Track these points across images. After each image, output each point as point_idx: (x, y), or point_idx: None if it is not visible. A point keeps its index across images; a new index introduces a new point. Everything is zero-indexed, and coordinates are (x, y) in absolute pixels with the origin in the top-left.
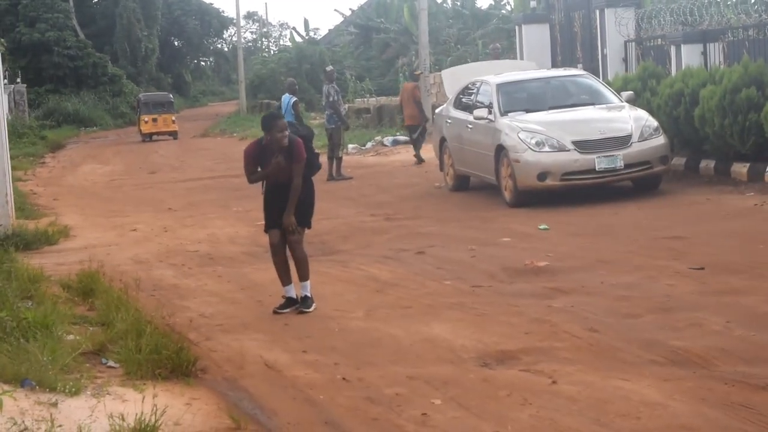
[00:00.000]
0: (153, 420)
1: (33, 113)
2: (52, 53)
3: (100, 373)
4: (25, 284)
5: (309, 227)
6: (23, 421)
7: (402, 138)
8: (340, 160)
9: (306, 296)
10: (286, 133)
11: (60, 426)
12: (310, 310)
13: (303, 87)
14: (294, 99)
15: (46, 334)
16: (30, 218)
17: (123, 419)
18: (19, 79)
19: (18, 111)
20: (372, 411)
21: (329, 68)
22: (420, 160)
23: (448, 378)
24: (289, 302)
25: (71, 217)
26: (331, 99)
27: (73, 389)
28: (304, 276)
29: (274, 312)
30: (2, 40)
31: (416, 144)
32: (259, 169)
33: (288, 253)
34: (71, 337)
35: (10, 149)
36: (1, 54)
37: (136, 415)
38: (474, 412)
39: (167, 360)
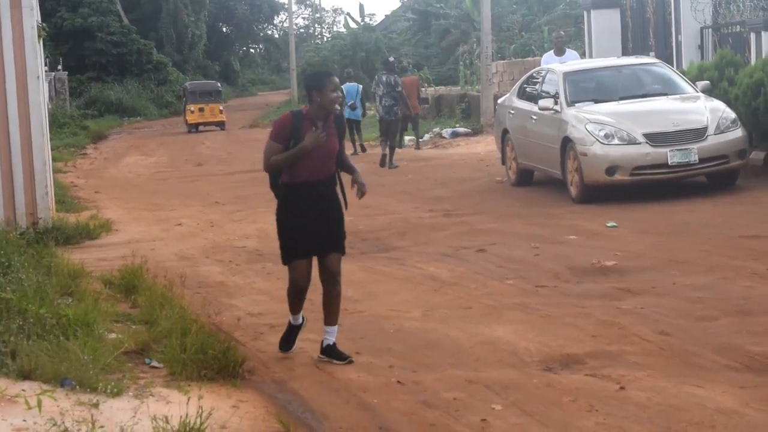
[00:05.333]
0: (198, 423)
1: (74, 102)
2: (95, 39)
3: (142, 373)
4: (66, 280)
5: (344, 253)
6: (63, 422)
7: (462, 130)
8: (393, 149)
9: (335, 344)
10: (342, 94)
11: (101, 427)
12: (352, 359)
13: (358, 75)
14: (361, 87)
15: (87, 332)
16: (71, 211)
17: (167, 421)
18: (60, 67)
19: (59, 100)
20: (429, 416)
21: (391, 59)
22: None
23: (510, 382)
24: (294, 331)
25: (113, 210)
26: (399, 89)
27: (115, 390)
28: (335, 319)
29: (282, 351)
30: (43, 25)
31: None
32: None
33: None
34: (113, 335)
35: (50, 139)
36: (42, 40)
37: (181, 417)
38: (537, 419)
39: (213, 360)
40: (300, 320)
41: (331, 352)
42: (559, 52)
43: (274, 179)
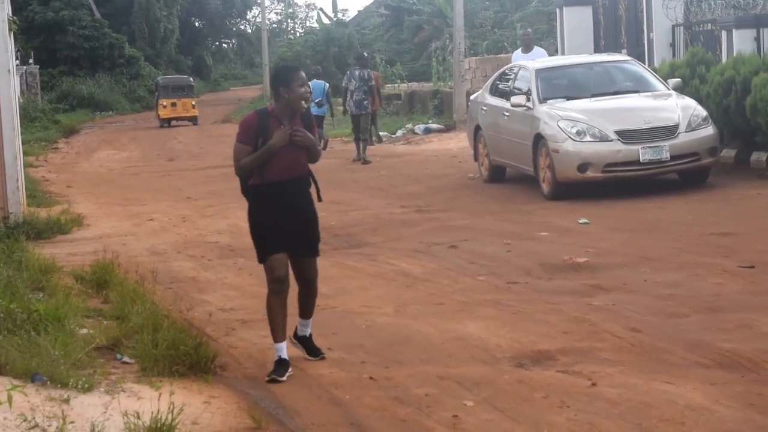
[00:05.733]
0: (170, 419)
1: (46, 96)
2: (67, 33)
3: (114, 368)
4: (36, 275)
5: (318, 255)
6: (33, 418)
7: (435, 126)
8: (366, 143)
9: (311, 335)
10: (309, 89)
11: (72, 423)
12: (324, 355)
13: (330, 71)
14: (328, 85)
15: (58, 327)
16: (42, 206)
17: (138, 417)
18: (31, 60)
19: (30, 94)
20: (400, 412)
21: (365, 54)
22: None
23: (482, 378)
24: (283, 365)
25: (85, 205)
26: (372, 83)
27: (86, 385)
28: (310, 312)
29: (271, 381)
30: (15, 18)
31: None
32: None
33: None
34: (84, 330)
35: (21, 134)
36: (13, 33)
37: (152, 413)
38: (508, 415)
39: (185, 356)
40: (284, 352)
41: (305, 343)
42: (527, 50)
43: (244, 184)
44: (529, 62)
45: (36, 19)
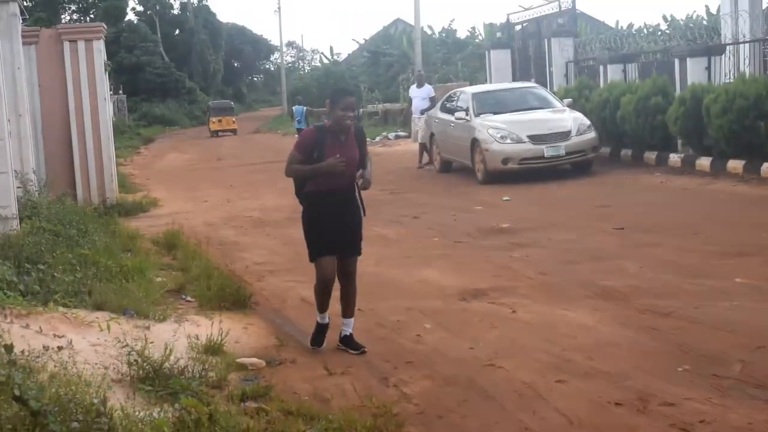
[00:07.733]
0: (219, 339)
1: (131, 116)
2: (145, 72)
3: (180, 305)
4: (126, 241)
5: (360, 254)
6: (125, 339)
7: (402, 133)
8: None
9: (351, 335)
10: (351, 114)
11: (152, 343)
12: (365, 350)
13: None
14: (306, 108)
15: (141, 276)
16: (129, 193)
17: (197, 339)
18: (121, 91)
19: (120, 115)
20: (380, 332)
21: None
22: None
23: (436, 309)
24: (323, 330)
25: (159, 192)
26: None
27: (161, 317)
28: (351, 312)
29: (313, 347)
30: (109, 62)
31: None
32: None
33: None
34: (159, 279)
35: (114, 142)
36: (108, 73)
37: (207, 335)
38: (455, 333)
39: (230, 296)
40: (326, 319)
41: (347, 342)
42: (420, 85)
43: (299, 189)
44: (468, 87)
45: (123, 62)
